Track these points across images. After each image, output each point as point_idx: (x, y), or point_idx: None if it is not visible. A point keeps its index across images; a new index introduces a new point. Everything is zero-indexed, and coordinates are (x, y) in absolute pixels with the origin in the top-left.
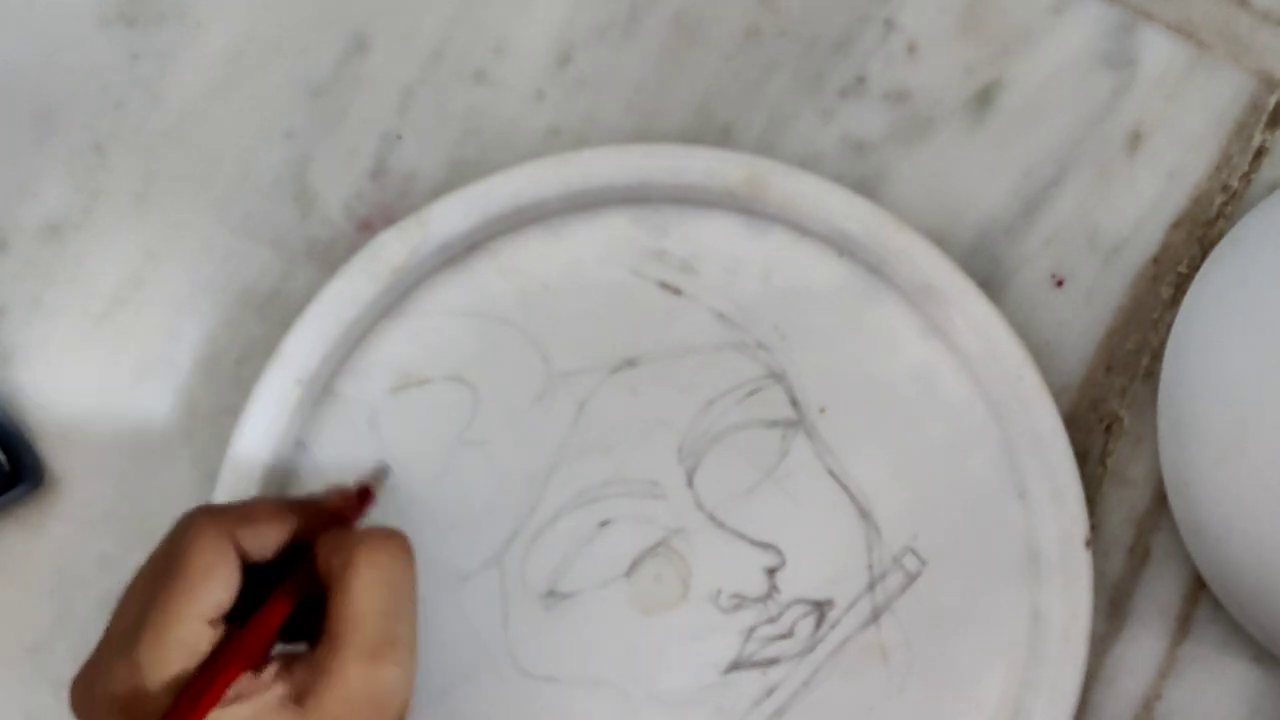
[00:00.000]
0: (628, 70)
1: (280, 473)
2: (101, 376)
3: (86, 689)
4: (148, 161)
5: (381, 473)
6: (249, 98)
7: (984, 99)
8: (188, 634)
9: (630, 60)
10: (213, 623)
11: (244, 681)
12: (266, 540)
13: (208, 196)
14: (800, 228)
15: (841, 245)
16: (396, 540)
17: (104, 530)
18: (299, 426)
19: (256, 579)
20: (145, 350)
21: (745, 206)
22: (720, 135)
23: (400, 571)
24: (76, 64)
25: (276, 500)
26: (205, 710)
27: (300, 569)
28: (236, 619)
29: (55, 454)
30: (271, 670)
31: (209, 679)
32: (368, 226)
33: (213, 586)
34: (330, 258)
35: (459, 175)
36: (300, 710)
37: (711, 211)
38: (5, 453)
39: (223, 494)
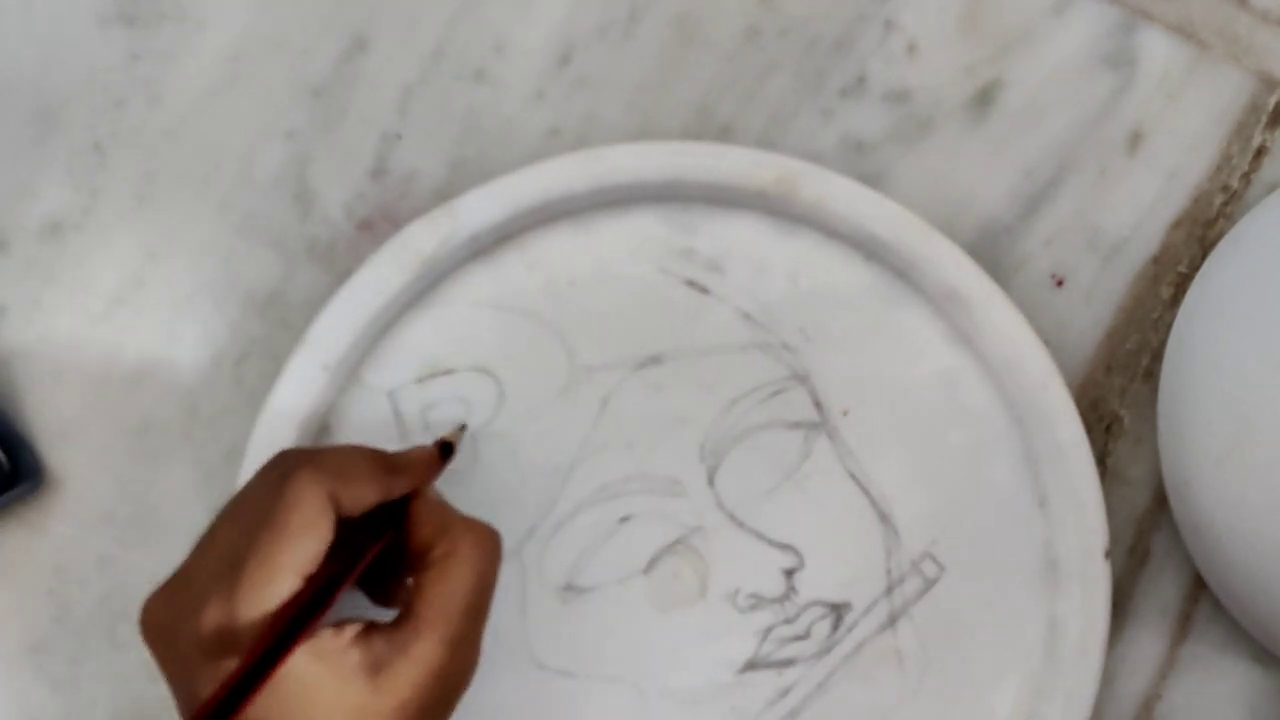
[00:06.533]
0: (628, 70)
1: None
2: (101, 376)
3: (167, 621)
4: (148, 161)
5: (460, 430)
6: (249, 98)
7: (984, 99)
8: (286, 587)
9: (630, 60)
10: (307, 576)
11: (326, 639)
12: (359, 500)
13: (208, 196)
14: (828, 230)
15: (869, 249)
16: (494, 538)
17: (104, 530)
18: (324, 412)
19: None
20: (145, 350)
21: (774, 207)
22: (720, 135)
23: (492, 570)
24: (76, 64)
25: (370, 455)
26: (288, 655)
27: (387, 529)
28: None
29: (55, 454)
30: (350, 633)
31: (294, 625)
32: (368, 226)
33: (312, 542)
34: (330, 258)
35: (459, 175)
36: (373, 683)
37: (740, 211)
38: (5, 453)
39: (247, 476)
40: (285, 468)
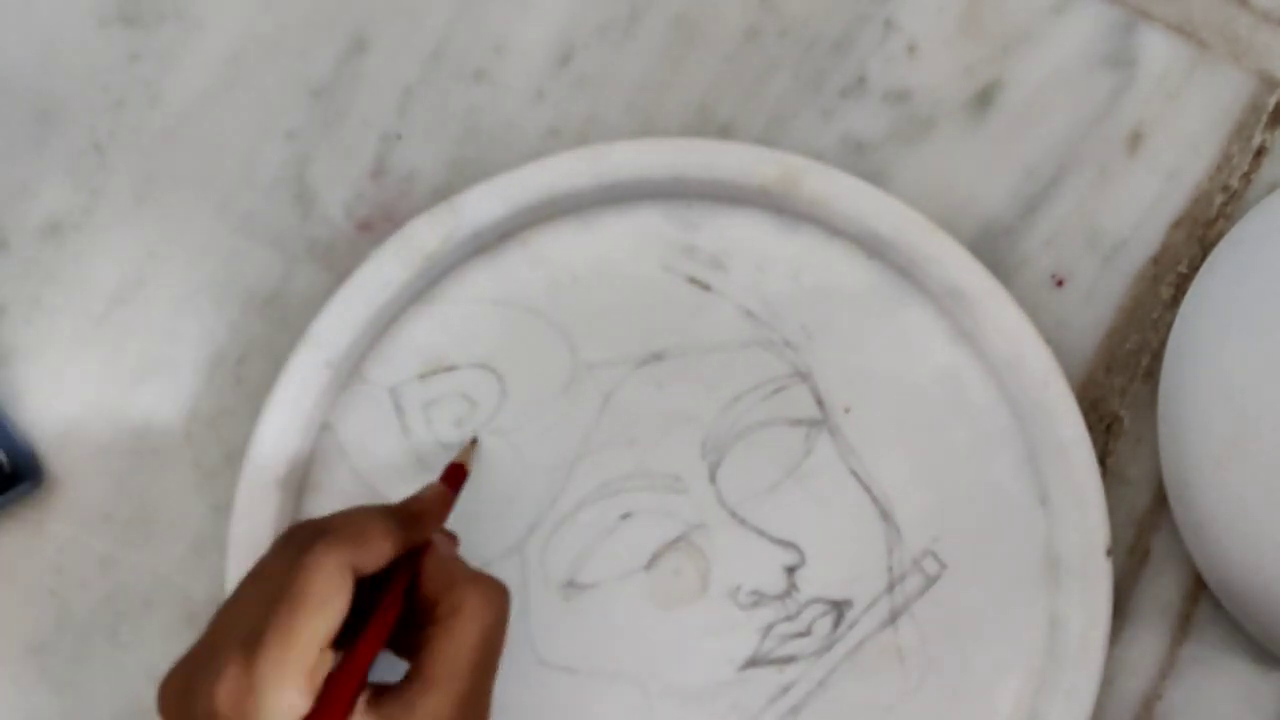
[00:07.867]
0: (628, 70)
1: (305, 454)
2: (101, 376)
3: (185, 697)
4: (148, 161)
5: (472, 445)
6: (249, 98)
7: (984, 99)
8: (306, 658)
9: (630, 60)
10: (326, 648)
11: None
12: (378, 560)
13: (208, 196)
14: (831, 227)
15: (872, 246)
16: (502, 592)
17: (104, 530)
18: (325, 409)
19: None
20: (145, 350)
21: (777, 204)
22: (720, 135)
23: (501, 625)
24: (76, 64)
25: (379, 511)
26: None
27: (400, 582)
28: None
29: (55, 454)
30: (362, 700)
31: (335, 698)
32: (368, 226)
33: (330, 614)
34: (330, 258)
35: (459, 175)
36: None
37: (743, 208)
38: (5, 453)
39: (249, 473)
40: (301, 541)
